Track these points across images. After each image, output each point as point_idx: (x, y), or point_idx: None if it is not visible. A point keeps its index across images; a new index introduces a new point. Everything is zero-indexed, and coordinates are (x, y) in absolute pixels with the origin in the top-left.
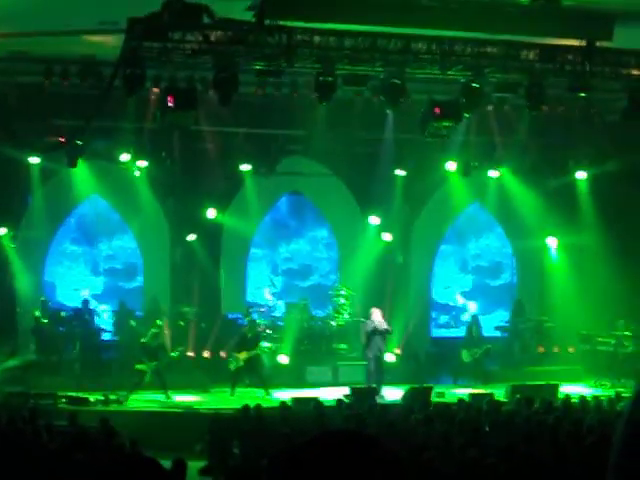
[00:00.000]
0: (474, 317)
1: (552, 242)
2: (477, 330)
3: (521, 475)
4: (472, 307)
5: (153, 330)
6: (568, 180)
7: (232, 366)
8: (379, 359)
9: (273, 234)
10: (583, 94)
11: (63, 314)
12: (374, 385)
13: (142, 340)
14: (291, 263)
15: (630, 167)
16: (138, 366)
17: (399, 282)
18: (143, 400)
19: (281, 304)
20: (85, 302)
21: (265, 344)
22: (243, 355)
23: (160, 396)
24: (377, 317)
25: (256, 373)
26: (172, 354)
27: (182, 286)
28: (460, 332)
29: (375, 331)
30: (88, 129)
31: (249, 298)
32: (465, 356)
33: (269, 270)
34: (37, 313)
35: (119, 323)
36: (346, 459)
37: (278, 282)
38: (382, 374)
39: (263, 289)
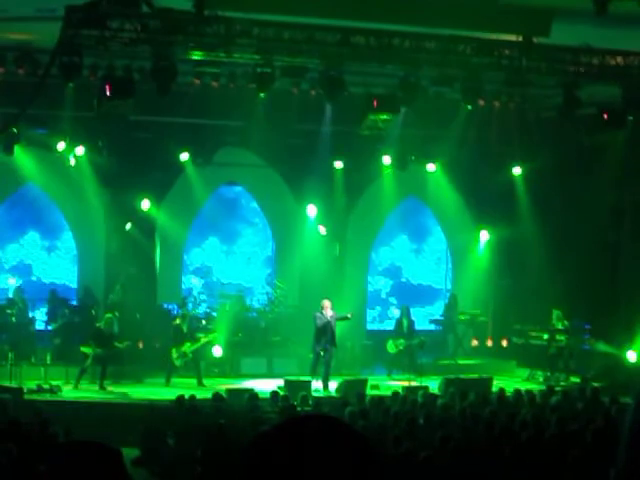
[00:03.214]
0: (404, 308)
1: (486, 236)
2: (408, 322)
3: (455, 468)
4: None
5: (108, 315)
6: (504, 175)
7: (179, 362)
8: (327, 353)
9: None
10: (519, 89)
11: None
12: (320, 379)
13: (97, 324)
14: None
15: (564, 162)
16: (83, 348)
17: (335, 274)
18: (77, 390)
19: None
20: (18, 290)
21: (201, 335)
22: (188, 347)
23: (94, 386)
24: (328, 310)
25: (197, 364)
26: (118, 344)
27: (117, 276)
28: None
29: (326, 324)
30: (24, 117)
31: (185, 288)
32: (390, 347)
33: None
34: None
35: (53, 312)
36: (317, 445)
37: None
38: (329, 368)
39: (199, 279)
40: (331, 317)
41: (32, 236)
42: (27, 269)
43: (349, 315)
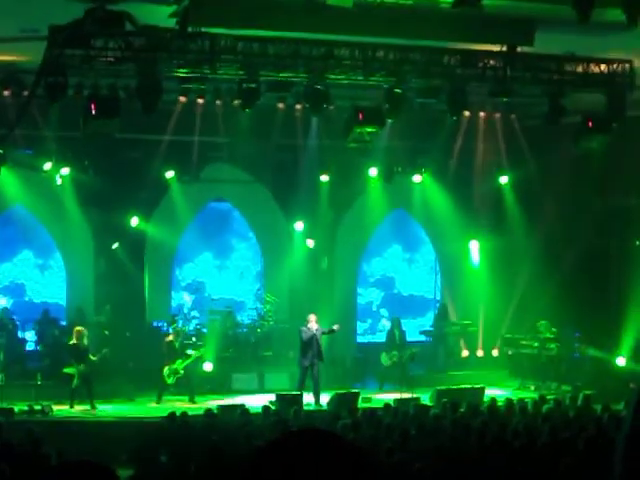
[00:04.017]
0: (395, 320)
1: (475, 246)
2: (399, 333)
3: (448, 478)
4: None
5: (77, 329)
6: (491, 184)
7: (171, 380)
8: (314, 367)
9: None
10: (505, 99)
11: None
12: (310, 393)
13: (70, 342)
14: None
15: (551, 170)
16: (66, 369)
17: (324, 287)
18: (68, 410)
19: (205, 312)
20: (5, 311)
21: (191, 352)
22: (180, 364)
23: (85, 405)
24: (313, 324)
25: (189, 381)
26: (93, 357)
27: (106, 295)
28: (382, 337)
29: (312, 338)
30: (10, 137)
31: (175, 306)
32: (384, 359)
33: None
34: None
35: (42, 333)
36: (311, 458)
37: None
38: (318, 381)
39: (189, 295)
40: (317, 331)
41: (26, 254)
42: (19, 289)
43: (335, 327)
